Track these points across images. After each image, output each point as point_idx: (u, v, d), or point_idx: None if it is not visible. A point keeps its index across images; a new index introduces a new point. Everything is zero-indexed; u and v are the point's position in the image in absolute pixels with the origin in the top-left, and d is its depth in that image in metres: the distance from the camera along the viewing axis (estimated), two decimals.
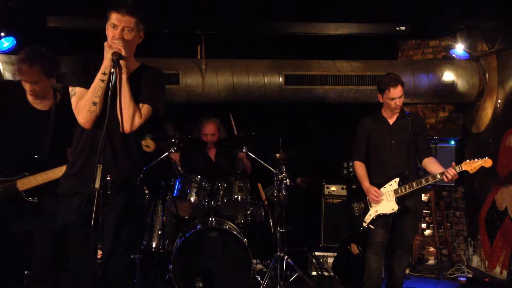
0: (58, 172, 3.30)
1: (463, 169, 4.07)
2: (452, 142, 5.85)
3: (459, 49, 5.88)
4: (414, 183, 4.18)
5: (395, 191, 4.24)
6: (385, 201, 4.27)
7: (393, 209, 4.24)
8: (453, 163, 4.10)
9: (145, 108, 2.84)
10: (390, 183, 4.27)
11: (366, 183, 4.35)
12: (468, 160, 4.09)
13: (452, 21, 5.69)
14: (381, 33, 5.60)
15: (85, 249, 2.73)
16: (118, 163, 2.81)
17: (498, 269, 5.45)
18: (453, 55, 6.00)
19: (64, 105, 3.32)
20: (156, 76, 2.95)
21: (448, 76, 5.93)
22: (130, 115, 2.77)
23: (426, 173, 4.35)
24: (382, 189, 4.28)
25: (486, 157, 4.06)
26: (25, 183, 3.38)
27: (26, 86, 3.43)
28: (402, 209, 4.25)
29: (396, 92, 4.25)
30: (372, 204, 4.33)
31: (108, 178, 2.65)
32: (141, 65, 2.96)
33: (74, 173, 2.84)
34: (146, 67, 2.97)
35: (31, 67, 3.36)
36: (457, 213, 6.24)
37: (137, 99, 2.81)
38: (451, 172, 4.04)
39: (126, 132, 2.80)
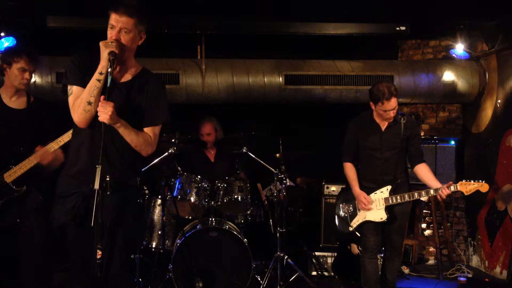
0: (39, 155, 3.52)
1: (458, 190, 4.04)
2: (452, 142, 5.85)
3: (459, 49, 5.89)
4: (406, 195, 4.14)
5: (386, 200, 4.18)
6: (374, 209, 4.21)
7: (381, 218, 4.19)
8: (450, 182, 4.05)
9: (154, 129, 2.87)
10: (381, 190, 4.21)
11: (356, 188, 4.28)
12: (464, 181, 4.04)
13: (452, 21, 5.69)
14: (381, 33, 5.59)
15: (83, 250, 2.71)
16: (112, 164, 2.77)
17: (498, 269, 5.45)
18: (453, 55, 6.00)
19: (37, 106, 3.70)
20: (157, 86, 2.90)
21: (448, 76, 5.93)
22: (144, 147, 2.82)
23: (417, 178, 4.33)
24: (372, 195, 4.23)
25: (483, 181, 4.02)
26: (12, 174, 3.51)
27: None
28: (390, 217, 4.21)
29: (389, 104, 4.08)
30: (361, 209, 4.29)
31: (108, 179, 2.63)
32: (142, 70, 2.91)
33: (71, 174, 2.80)
34: (147, 74, 2.91)
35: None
36: (457, 213, 6.24)
37: (142, 118, 2.83)
38: (446, 192, 4.01)
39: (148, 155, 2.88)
